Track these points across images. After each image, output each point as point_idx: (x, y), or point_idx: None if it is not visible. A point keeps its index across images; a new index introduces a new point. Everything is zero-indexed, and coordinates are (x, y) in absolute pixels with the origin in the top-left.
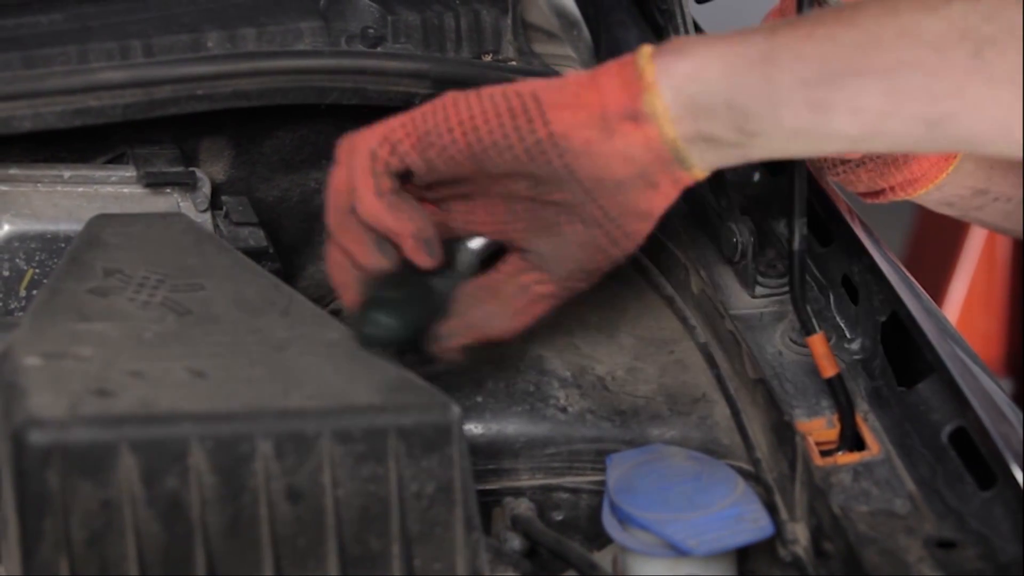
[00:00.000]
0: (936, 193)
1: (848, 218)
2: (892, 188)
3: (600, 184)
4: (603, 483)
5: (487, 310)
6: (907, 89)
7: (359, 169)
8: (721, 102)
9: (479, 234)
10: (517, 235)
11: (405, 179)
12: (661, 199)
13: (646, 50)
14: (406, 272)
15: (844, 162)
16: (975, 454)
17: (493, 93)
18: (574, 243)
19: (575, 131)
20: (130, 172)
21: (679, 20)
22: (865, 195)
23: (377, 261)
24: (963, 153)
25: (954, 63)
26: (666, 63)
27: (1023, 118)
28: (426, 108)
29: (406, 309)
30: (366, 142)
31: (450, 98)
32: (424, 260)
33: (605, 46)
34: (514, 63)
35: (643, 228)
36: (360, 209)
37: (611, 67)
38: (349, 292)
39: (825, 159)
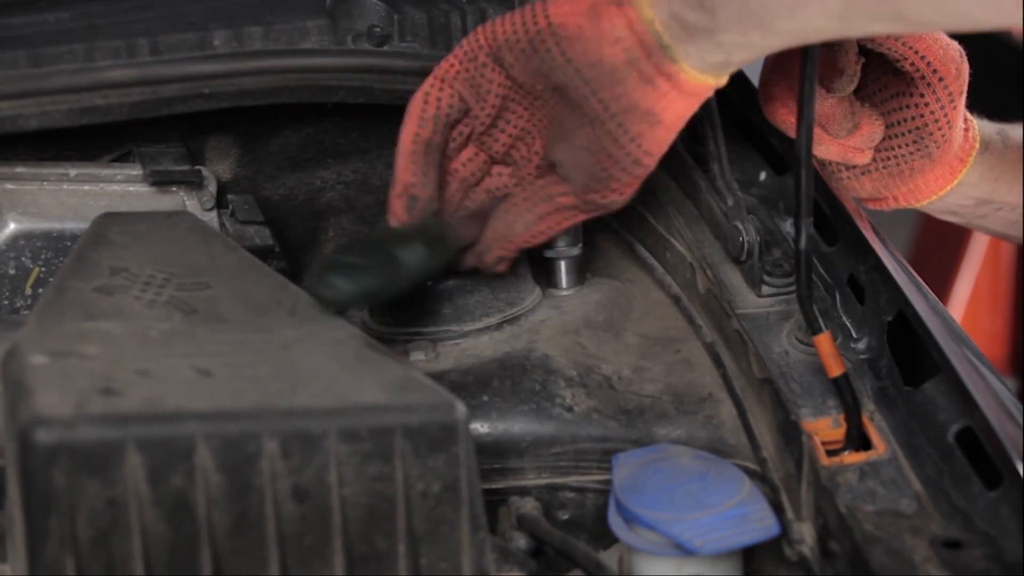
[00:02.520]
0: (939, 203)
1: (854, 218)
2: (895, 197)
3: (596, 70)
4: (609, 482)
5: (513, 216)
6: None
7: (409, 114)
8: (666, 11)
9: (512, 160)
10: (542, 146)
11: (457, 122)
12: (660, 98)
13: None
14: (380, 240)
15: (849, 168)
16: (982, 454)
17: (513, 10)
18: (584, 147)
19: (569, 18)
20: (136, 170)
21: None
22: (868, 201)
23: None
24: (968, 166)
25: None
26: None
27: None
28: (459, 47)
29: (362, 276)
30: (423, 87)
31: (479, 29)
32: (396, 211)
33: None
34: None
35: (648, 132)
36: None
37: None
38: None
39: (830, 165)
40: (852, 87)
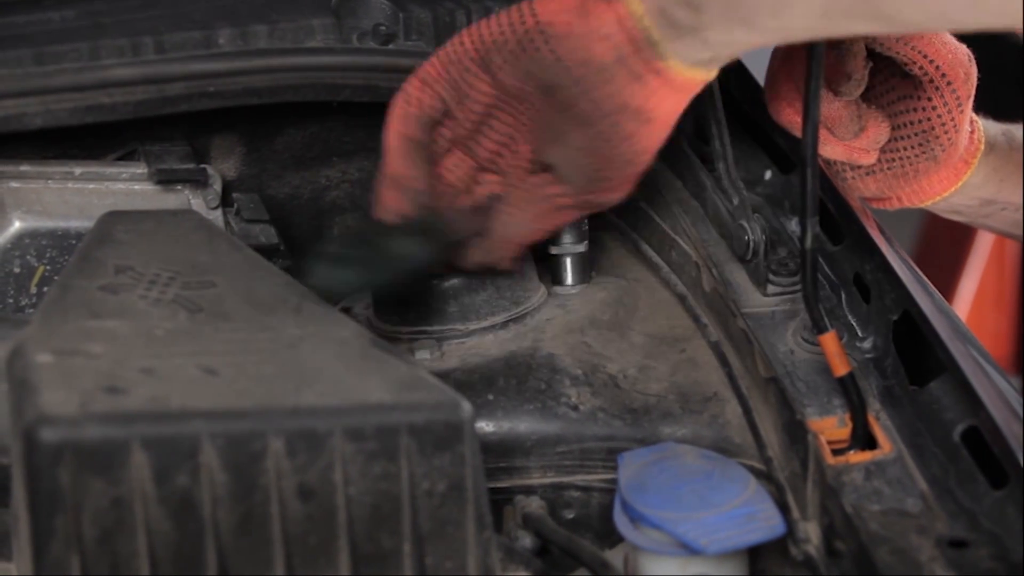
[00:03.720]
0: (944, 203)
1: (860, 217)
2: (900, 197)
3: (586, 69)
4: (614, 481)
5: (511, 218)
6: None
7: (392, 113)
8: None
9: (498, 169)
10: (535, 149)
11: (439, 123)
12: (651, 95)
13: None
14: (370, 232)
15: (854, 168)
16: (987, 453)
17: (501, 8)
18: (578, 149)
19: (557, 16)
20: (141, 169)
21: None
22: (872, 200)
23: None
24: (973, 167)
25: None
26: None
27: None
28: (449, 41)
29: (350, 266)
30: (405, 86)
31: (467, 30)
32: (388, 201)
33: None
34: None
35: (641, 130)
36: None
37: None
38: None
39: (835, 164)
40: (859, 91)
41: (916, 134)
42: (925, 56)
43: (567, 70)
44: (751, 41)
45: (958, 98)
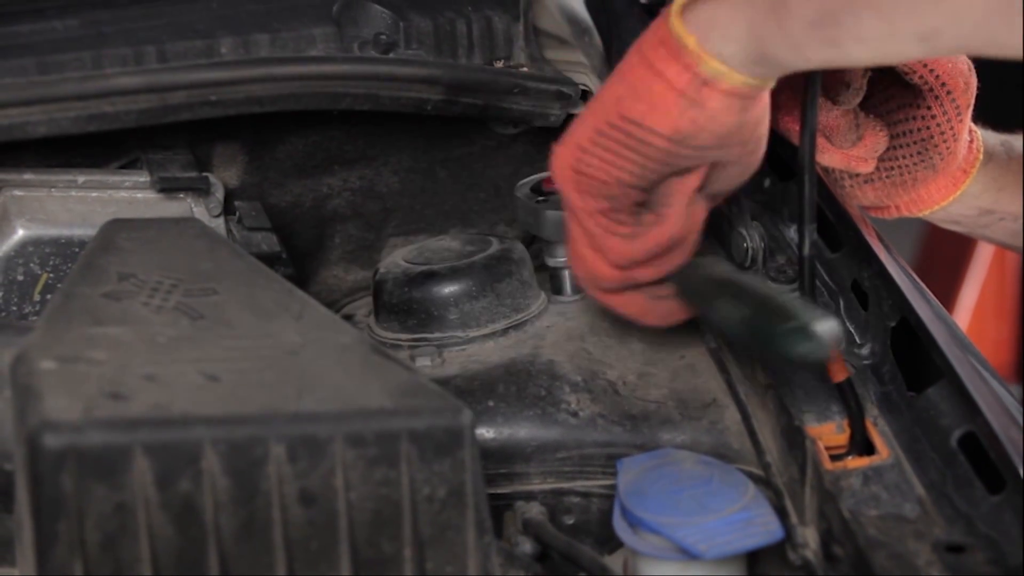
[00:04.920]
0: (942, 212)
1: (858, 224)
2: (898, 206)
3: (724, 138)
4: (614, 487)
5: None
6: (894, 13)
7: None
8: (756, 54)
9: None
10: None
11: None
12: (763, 105)
13: (674, 19)
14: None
15: (852, 176)
16: (984, 459)
17: (593, 137)
18: (731, 176)
19: (680, 122)
20: (144, 177)
21: None
22: (870, 209)
23: None
24: (971, 177)
25: None
26: (700, 30)
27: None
28: (575, 198)
29: (807, 331)
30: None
31: (570, 171)
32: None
33: (616, 52)
34: (525, 69)
35: (761, 130)
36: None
37: (656, 50)
38: None
39: (833, 172)
40: (858, 100)
41: (915, 143)
42: (925, 65)
43: (709, 150)
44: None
45: (957, 107)
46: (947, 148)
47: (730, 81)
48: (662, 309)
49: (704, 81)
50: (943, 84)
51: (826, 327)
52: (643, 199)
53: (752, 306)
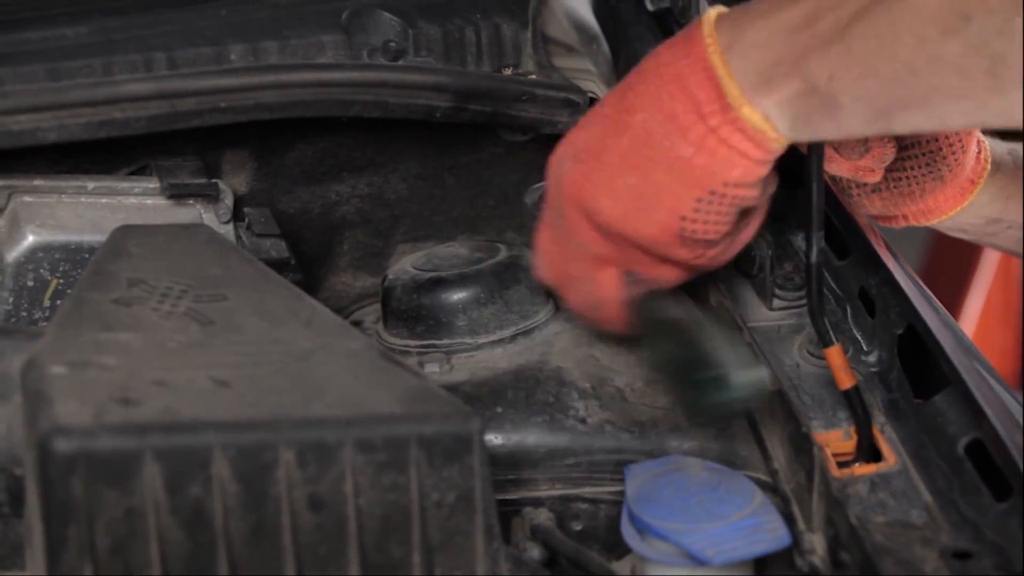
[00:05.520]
0: (949, 221)
1: (865, 232)
2: (905, 216)
3: (736, 189)
4: (622, 493)
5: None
6: (944, 114)
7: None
8: (801, 135)
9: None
10: None
11: None
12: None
13: (735, 92)
14: (694, 342)
15: (859, 186)
16: (991, 466)
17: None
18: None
19: (694, 161)
20: (153, 184)
21: None
22: (878, 218)
23: None
24: (979, 187)
25: (975, 83)
26: (750, 100)
27: None
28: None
29: (730, 384)
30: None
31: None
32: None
33: (624, 60)
34: (534, 76)
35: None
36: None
37: (705, 96)
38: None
39: (841, 181)
40: None
41: (923, 154)
42: None
43: (754, 190)
44: None
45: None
46: (955, 160)
47: (776, 139)
48: (606, 316)
49: (752, 138)
50: None
51: (746, 378)
52: None
53: (681, 350)
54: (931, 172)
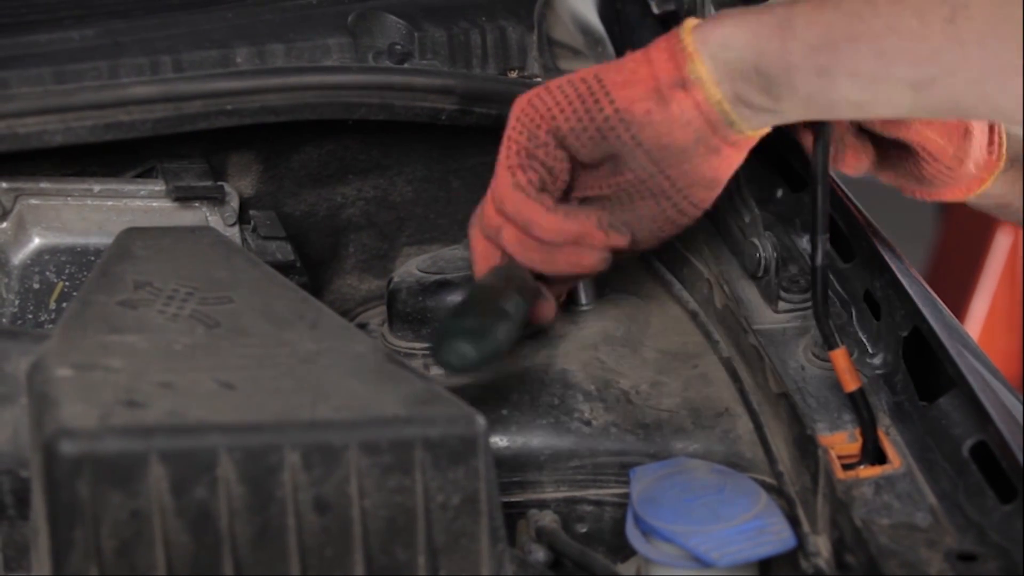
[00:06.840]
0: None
1: (870, 234)
2: (913, 193)
3: (666, 152)
4: (627, 496)
5: (577, 256)
6: (893, 53)
7: (504, 183)
8: (750, 67)
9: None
10: (609, 214)
11: None
12: (725, 165)
13: (689, 23)
14: (487, 297)
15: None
16: (996, 468)
17: (561, 84)
18: (647, 217)
19: (636, 104)
20: (159, 186)
21: None
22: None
23: None
24: (988, 183)
25: (932, 27)
26: (703, 33)
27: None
28: (513, 126)
29: (485, 338)
30: (504, 176)
31: (526, 103)
32: (482, 248)
33: None
34: (539, 79)
35: (709, 197)
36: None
37: (660, 42)
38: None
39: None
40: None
41: (912, 177)
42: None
43: (647, 153)
44: (818, 116)
45: (954, 156)
46: (950, 176)
47: (705, 93)
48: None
49: (683, 83)
50: (933, 155)
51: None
52: (565, 175)
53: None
54: (923, 188)
